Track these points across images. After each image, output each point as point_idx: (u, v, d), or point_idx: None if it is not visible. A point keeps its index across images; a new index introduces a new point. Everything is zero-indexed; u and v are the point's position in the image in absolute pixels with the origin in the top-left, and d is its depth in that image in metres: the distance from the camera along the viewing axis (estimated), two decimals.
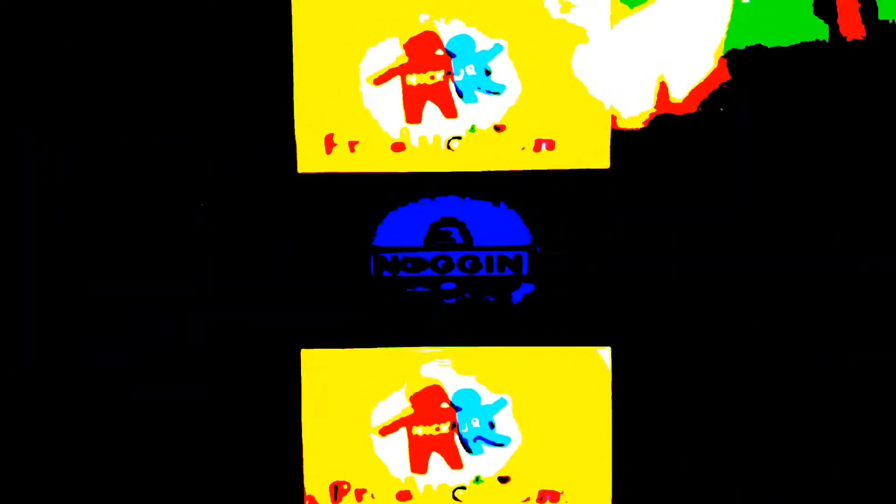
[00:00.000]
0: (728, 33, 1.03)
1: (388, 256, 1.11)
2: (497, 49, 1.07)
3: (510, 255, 1.10)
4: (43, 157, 1.11)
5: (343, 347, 1.12)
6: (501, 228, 1.10)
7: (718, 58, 1.05)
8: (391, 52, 1.08)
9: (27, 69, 1.10)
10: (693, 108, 1.06)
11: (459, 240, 1.11)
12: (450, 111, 1.08)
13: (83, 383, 1.13)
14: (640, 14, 1.06)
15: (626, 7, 1.06)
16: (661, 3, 1.06)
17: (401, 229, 1.11)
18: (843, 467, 1.10)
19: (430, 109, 1.08)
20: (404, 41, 1.07)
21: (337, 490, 1.14)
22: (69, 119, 1.10)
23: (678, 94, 1.06)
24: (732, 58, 1.05)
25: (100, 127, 1.10)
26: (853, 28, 1.01)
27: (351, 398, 1.13)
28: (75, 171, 1.11)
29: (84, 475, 1.15)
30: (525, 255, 1.10)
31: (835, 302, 1.08)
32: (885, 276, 1.07)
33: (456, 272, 1.11)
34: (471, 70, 1.08)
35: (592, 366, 1.11)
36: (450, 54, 1.08)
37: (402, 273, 1.11)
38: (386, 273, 1.11)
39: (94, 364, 1.13)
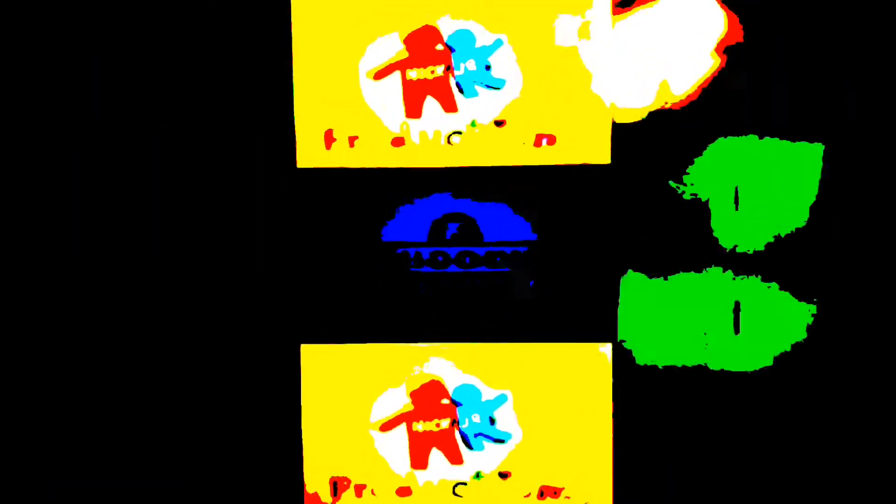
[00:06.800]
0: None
1: (389, 252, 1.11)
2: (497, 44, 1.07)
3: (510, 250, 1.10)
4: (42, 152, 1.11)
5: (343, 343, 1.12)
6: (502, 224, 1.10)
7: (718, 56, 1.05)
8: (391, 47, 1.08)
9: (45, 60, 1.10)
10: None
11: (461, 235, 1.10)
12: (450, 106, 1.08)
13: (83, 378, 1.14)
14: (642, 11, 1.05)
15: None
16: (663, 2, 1.05)
17: (402, 225, 1.11)
18: (844, 458, 1.10)
19: (431, 104, 1.08)
20: (404, 36, 1.07)
21: (337, 486, 1.14)
22: (66, 112, 1.10)
23: (678, 90, 1.06)
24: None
25: (94, 122, 1.10)
26: None
27: (351, 394, 1.13)
28: (72, 165, 1.11)
29: (81, 470, 1.15)
30: (526, 250, 1.10)
31: (834, 296, 1.08)
32: (885, 276, 1.07)
33: (457, 268, 1.11)
34: (471, 65, 1.07)
35: (594, 362, 1.10)
36: (450, 49, 1.07)
37: (402, 268, 1.11)
38: (386, 268, 1.11)
39: (94, 359, 1.13)
